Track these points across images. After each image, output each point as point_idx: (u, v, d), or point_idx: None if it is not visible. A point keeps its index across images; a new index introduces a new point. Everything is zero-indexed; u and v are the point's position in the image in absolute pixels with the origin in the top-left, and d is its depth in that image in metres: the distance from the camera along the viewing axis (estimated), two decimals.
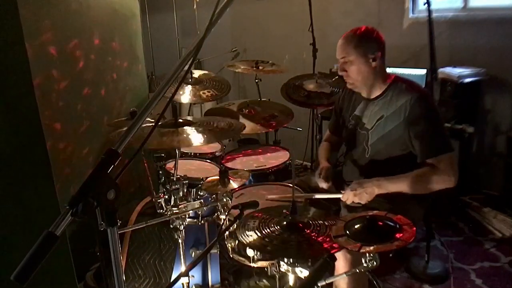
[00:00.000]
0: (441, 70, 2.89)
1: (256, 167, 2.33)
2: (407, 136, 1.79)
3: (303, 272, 1.33)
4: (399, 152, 1.83)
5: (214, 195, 1.75)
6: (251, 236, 1.34)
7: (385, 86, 1.87)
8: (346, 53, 1.82)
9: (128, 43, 2.79)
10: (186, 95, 2.45)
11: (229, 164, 2.39)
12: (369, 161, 1.93)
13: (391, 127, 1.82)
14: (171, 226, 1.71)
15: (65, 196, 1.87)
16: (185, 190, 1.76)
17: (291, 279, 1.39)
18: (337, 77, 2.86)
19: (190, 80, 2.49)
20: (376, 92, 1.88)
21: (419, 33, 2.99)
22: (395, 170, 1.79)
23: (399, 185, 1.74)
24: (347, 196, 1.76)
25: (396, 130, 1.81)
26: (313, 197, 1.88)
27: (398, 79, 1.88)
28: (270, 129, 2.69)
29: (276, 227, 1.37)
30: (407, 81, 1.87)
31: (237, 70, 3.00)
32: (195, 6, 3.96)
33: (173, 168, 1.79)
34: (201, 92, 2.48)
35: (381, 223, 1.23)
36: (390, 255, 2.30)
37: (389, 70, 1.94)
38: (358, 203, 1.75)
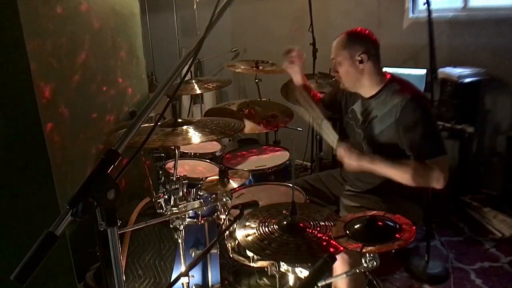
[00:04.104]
0: (441, 70, 2.89)
1: (256, 167, 2.32)
2: (399, 139, 1.78)
3: (303, 272, 1.33)
4: (393, 151, 1.82)
5: (214, 195, 1.75)
6: (250, 237, 1.34)
7: (379, 86, 1.86)
8: (336, 54, 1.86)
9: (128, 43, 2.79)
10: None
11: (229, 164, 2.39)
12: None
13: (383, 128, 1.82)
14: (171, 226, 1.71)
15: (65, 196, 1.87)
16: (185, 190, 1.76)
17: (291, 279, 1.39)
18: None
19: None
20: (371, 92, 1.88)
21: (419, 33, 3.00)
22: None
23: (388, 169, 1.72)
24: (340, 148, 1.77)
25: (388, 131, 1.81)
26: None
27: (393, 79, 1.87)
28: (270, 129, 2.69)
29: (275, 228, 1.37)
30: (401, 81, 1.85)
31: (237, 70, 3.00)
32: (195, 6, 3.97)
33: (173, 168, 1.79)
34: (205, 85, 2.64)
35: (381, 223, 1.23)
36: (393, 251, 2.30)
37: (389, 70, 1.93)
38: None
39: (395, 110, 1.77)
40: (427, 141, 1.73)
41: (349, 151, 1.75)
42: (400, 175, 1.71)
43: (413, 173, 1.69)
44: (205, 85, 2.63)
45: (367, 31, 1.85)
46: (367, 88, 1.88)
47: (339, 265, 1.57)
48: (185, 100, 4.63)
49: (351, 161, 1.75)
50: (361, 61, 1.80)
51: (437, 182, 1.70)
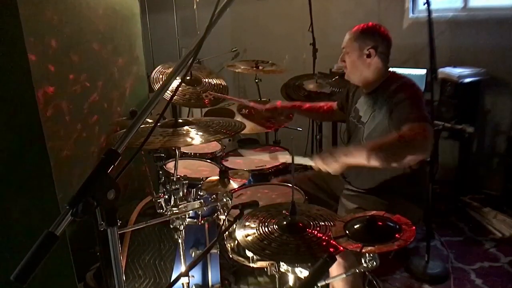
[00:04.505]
0: (441, 70, 2.89)
1: (256, 167, 2.32)
2: (390, 124, 1.75)
3: (303, 272, 1.33)
4: None
5: (214, 195, 1.75)
6: (250, 237, 1.34)
7: (379, 82, 1.88)
8: (346, 44, 1.90)
9: (128, 43, 2.79)
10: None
11: (229, 164, 2.39)
12: None
13: (379, 120, 1.83)
14: (171, 226, 1.71)
15: (65, 196, 1.87)
16: (185, 190, 1.76)
17: (291, 279, 1.39)
18: (337, 77, 2.86)
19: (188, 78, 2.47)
20: (371, 87, 1.90)
21: (419, 33, 2.99)
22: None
23: (367, 154, 1.58)
24: (317, 163, 1.66)
25: (382, 122, 1.82)
26: (284, 161, 2.00)
27: (393, 75, 1.90)
28: (270, 129, 2.69)
29: (275, 228, 1.37)
30: (398, 76, 1.88)
31: (237, 70, 3.00)
32: (195, 6, 3.96)
33: (173, 168, 1.79)
34: (203, 95, 2.36)
35: (380, 223, 1.23)
36: (390, 257, 2.31)
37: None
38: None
39: (388, 99, 1.79)
40: (406, 110, 1.68)
41: (323, 158, 1.64)
42: (380, 154, 1.57)
43: (392, 148, 1.58)
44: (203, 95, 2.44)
45: (382, 28, 1.88)
46: (369, 83, 1.90)
47: (335, 269, 1.56)
48: None
49: (331, 166, 1.62)
50: (368, 55, 1.84)
51: (420, 149, 1.57)
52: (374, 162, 1.57)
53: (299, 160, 1.72)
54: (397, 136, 1.61)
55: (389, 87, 1.82)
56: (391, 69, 1.93)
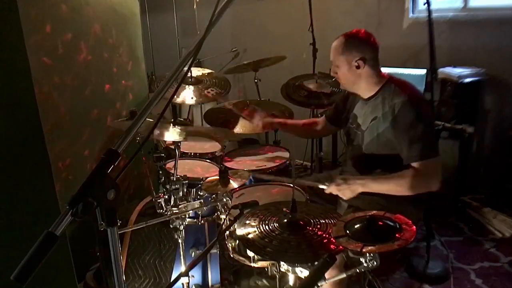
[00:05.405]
0: (441, 70, 2.88)
1: (256, 167, 2.32)
2: (395, 139, 1.78)
3: (303, 272, 1.33)
4: (390, 153, 1.83)
5: (214, 195, 1.75)
6: (250, 235, 1.34)
7: (377, 87, 1.87)
8: (334, 58, 1.88)
9: (128, 43, 2.79)
10: (189, 96, 2.48)
11: (229, 164, 2.39)
12: (364, 161, 1.94)
13: (382, 129, 1.83)
14: (171, 226, 1.71)
15: (65, 196, 1.87)
16: (185, 190, 1.76)
17: (291, 279, 1.39)
18: None
19: (190, 80, 2.52)
20: (369, 94, 1.89)
21: (419, 33, 2.99)
22: (388, 170, 1.81)
23: (383, 186, 1.76)
24: (331, 190, 1.78)
25: (386, 132, 1.81)
26: (298, 183, 1.91)
27: (391, 80, 1.88)
28: (270, 129, 2.68)
29: (275, 225, 1.37)
30: (399, 82, 1.86)
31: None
32: (195, 6, 3.96)
33: (173, 168, 1.79)
34: (205, 92, 2.52)
35: (381, 223, 1.23)
36: (397, 257, 2.32)
37: (389, 70, 1.94)
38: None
39: (392, 111, 1.78)
40: (420, 143, 1.72)
41: (339, 188, 1.76)
42: (395, 189, 1.74)
43: (407, 185, 1.70)
44: (205, 92, 2.54)
45: (365, 34, 1.85)
46: (365, 90, 1.90)
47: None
48: None
49: (345, 193, 1.77)
50: (358, 67, 1.82)
51: (433, 186, 1.72)
52: (389, 192, 1.75)
53: (313, 183, 1.87)
54: (412, 174, 1.71)
55: (389, 95, 1.81)
56: (390, 70, 1.92)
